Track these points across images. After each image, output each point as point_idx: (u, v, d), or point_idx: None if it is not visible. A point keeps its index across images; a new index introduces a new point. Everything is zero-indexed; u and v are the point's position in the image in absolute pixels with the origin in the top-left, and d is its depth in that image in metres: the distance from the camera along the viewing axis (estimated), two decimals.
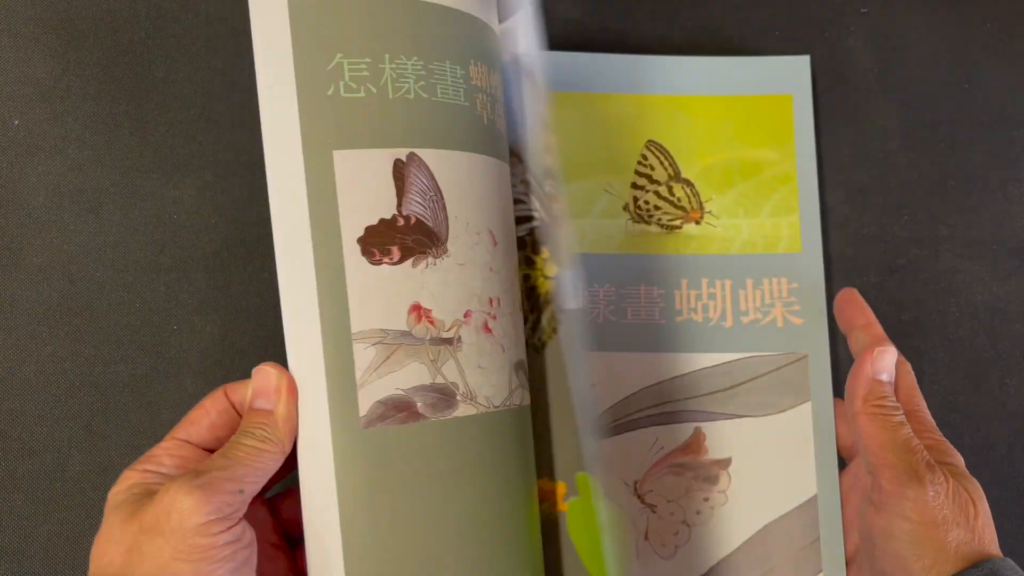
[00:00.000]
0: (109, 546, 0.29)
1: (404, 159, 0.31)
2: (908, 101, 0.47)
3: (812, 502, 0.41)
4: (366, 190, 0.31)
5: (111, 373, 0.42)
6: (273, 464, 0.31)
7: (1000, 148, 0.47)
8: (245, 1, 0.46)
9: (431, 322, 0.32)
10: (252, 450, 0.31)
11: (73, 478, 0.41)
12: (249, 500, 0.31)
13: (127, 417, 0.42)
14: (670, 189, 0.44)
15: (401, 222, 0.31)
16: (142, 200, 0.44)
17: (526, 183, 0.37)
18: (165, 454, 0.32)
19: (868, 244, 0.45)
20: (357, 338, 0.31)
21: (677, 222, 0.44)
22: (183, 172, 0.44)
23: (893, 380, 0.38)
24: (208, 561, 0.28)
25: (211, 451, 0.33)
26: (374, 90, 0.31)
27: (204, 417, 0.33)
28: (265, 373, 0.33)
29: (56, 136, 0.44)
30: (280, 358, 0.42)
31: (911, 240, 0.46)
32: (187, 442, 0.33)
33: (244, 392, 0.34)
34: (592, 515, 0.34)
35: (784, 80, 0.46)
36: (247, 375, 0.42)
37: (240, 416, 0.34)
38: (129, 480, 0.31)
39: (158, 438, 0.41)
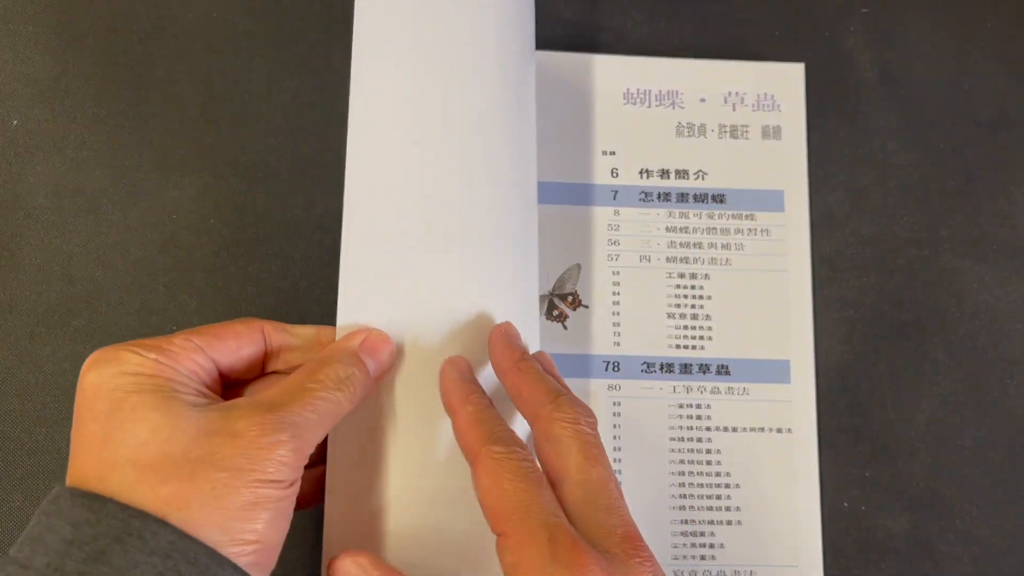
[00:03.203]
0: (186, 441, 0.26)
1: None
2: (908, 101, 0.47)
3: None
4: None
5: None
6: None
7: (1000, 148, 0.47)
8: (245, 1, 0.46)
9: None
10: (336, 406, 0.29)
11: None
12: None
13: None
14: None
15: None
16: (142, 200, 0.44)
17: None
18: (184, 353, 0.29)
19: (868, 244, 0.45)
20: None
21: None
22: (183, 172, 0.44)
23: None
24: (270, 504, 0.26)
25: (221, 373, 0.31)
26: None
27: (232, 339, 0.31)
28: (386, 341, 0.31)
29: (55, 136, 0.44)
30: None
31: (911, 240, 0.46)
32: (204, 351, 0.30)
33: (280, 338, 0.32)
34: None
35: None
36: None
37: (265, 358, 0.32)
38: (144, 367, 0.28)
39: None
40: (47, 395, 0.41)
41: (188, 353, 0.29)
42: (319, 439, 0.28)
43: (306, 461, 0.28)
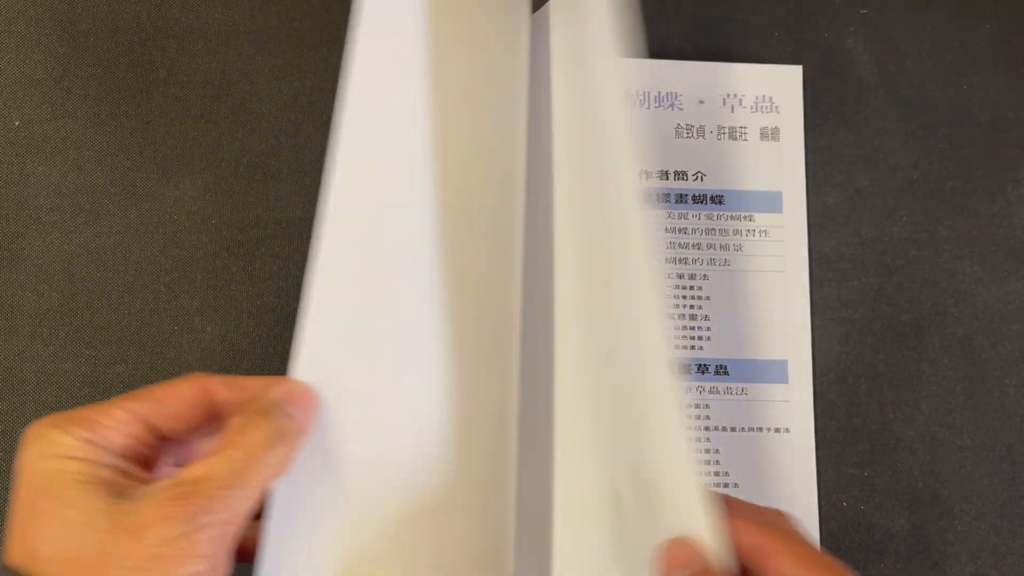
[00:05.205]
0: (82, 534, 0.25)
1: None
2: (907, 101, 0.47)
3: None
4: None
5: (111, 373, 0.42)
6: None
7: (999, 148, 0.47)
8: (244, 2, 0.46)
9: None
10: (268, 468, 0.27)
11: None
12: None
13: None
14: None
15: None
16: (142, 200, 0.44)
17: None
18: (118, 427, 0.28)
19: (867, 245, 0.45)
20: None
21: None
22: (183, 172, 0.44)
23: None
24: None
25: (165, 439, 0.30)
26: None
27: (175, 403, 0.29)
28: (302, 388, 0.29)
29: (57, 137, 0.44)
30: (279, 359, 0.43)
31: (910, 241, 0.46)
32: (144, 421, 0.28)
33: (227, 394, 0.30)
34: None
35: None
36: (247, 375, 0.41)
37: (214, 416, 0.30)
38: (70, 450, 0.27)
39: None
40: (48, 395, 0.41)
41: (123, 427, 0.28)
42: (246, 510, 0.27)
43: (228, 540, 0.26)
